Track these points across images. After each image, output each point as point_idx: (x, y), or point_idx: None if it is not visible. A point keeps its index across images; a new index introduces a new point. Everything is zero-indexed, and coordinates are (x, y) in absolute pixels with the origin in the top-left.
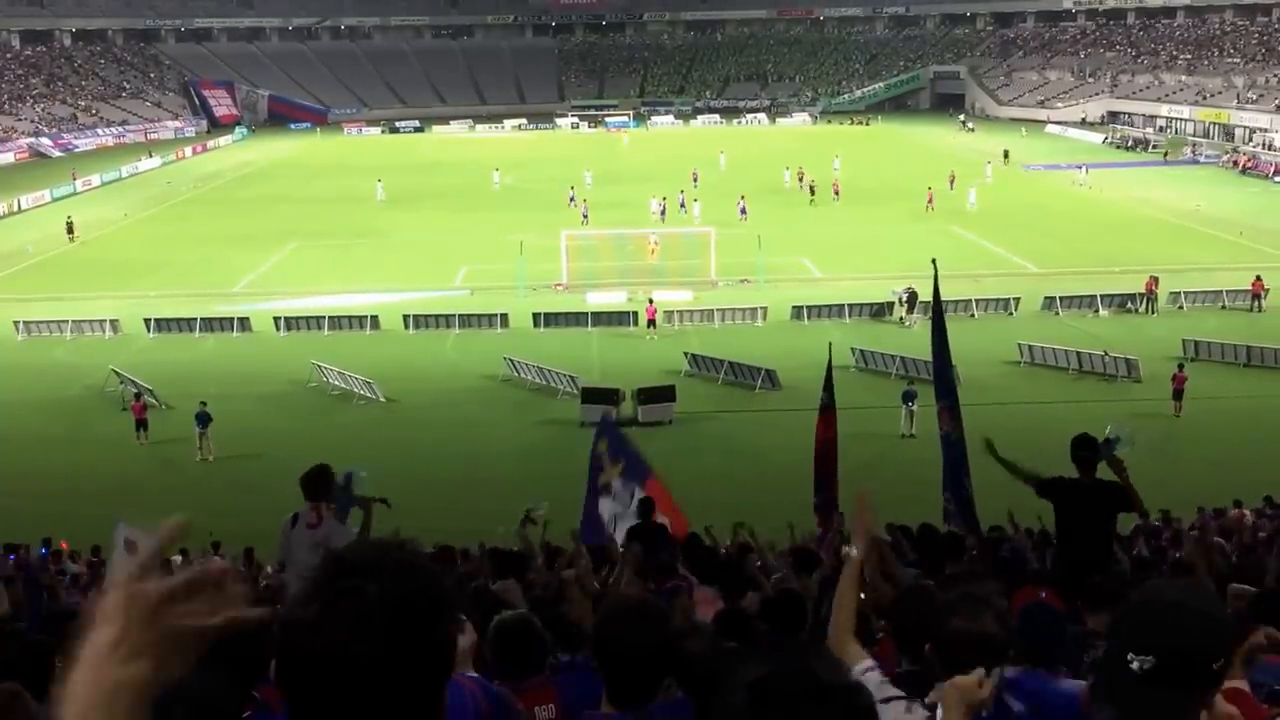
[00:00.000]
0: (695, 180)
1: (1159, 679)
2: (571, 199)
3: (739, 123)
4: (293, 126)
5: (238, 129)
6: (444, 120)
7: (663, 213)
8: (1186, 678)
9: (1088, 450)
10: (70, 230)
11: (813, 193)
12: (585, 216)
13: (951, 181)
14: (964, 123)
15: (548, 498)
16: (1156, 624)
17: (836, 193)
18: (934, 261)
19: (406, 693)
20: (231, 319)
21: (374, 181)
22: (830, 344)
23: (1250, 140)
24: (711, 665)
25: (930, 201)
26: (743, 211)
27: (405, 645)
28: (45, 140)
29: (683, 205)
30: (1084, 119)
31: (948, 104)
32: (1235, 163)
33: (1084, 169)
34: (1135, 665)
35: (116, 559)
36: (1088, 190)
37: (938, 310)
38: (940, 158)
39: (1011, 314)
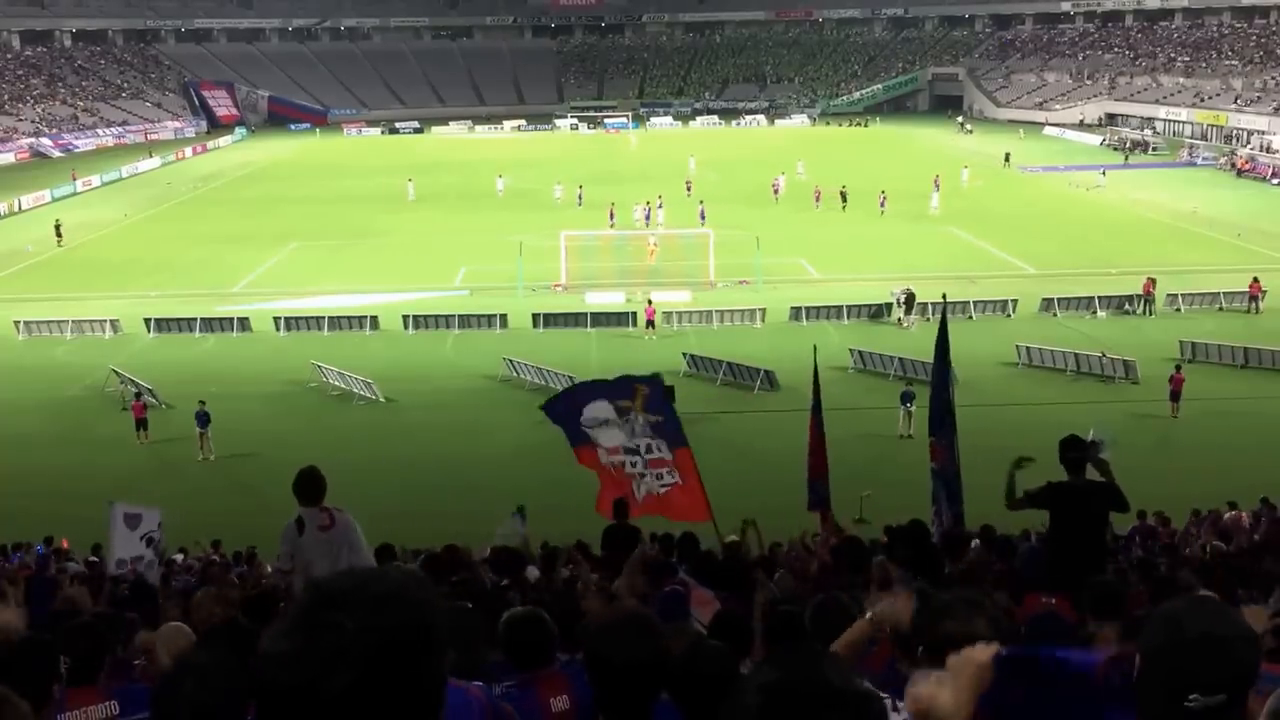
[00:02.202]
0: (689, 189)
1: (1223, 711)
2: (580, 198)
3: (737, 124)
4: (292, 127)
5: (237, 129)
6: (443, 121)
7: (646, 217)
8: (1243, 700)
9: (1077, 451)
10: (59, 234)
11: (844, 200)
12: (612, 216)
13: (936, 184)
14: (962, 124)
15: (546, 498)
16: (1215, 662)
17: (819, 198)
18: (944, 296)
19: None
20: (231, 319)
21: (375, 181)
22: (815, 347)
23: (1248, 142)
24: (694, 665)
25: (882, 205)
26: (702, 216)
27: (384, 681)
28: (45, 140)
29: (660, 208)
30: (1082, 121)
31: (946, 106)
32: (1233, 165)
33: (1103, 170)
34: (1197, 703)
35: (116, 537)
36: (1086, 192)
37: (943, 337)
38: (931, 160)
39: (1009, 315)
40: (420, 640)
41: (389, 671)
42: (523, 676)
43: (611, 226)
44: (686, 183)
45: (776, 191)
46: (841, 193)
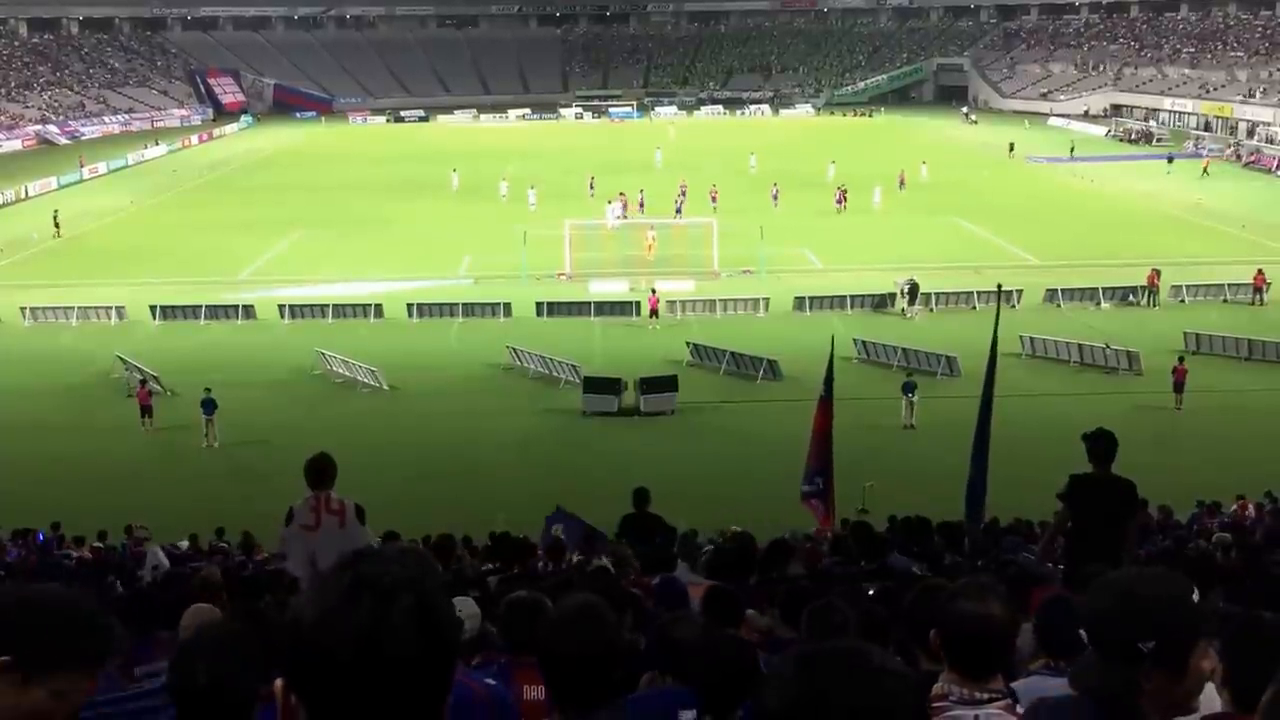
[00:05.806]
0: (684, 194)
1: (1098, 656)
2: (591, 191)
3: (742, 114)
4: (298, 115)
5: (243, 117)
6: (448, 110)
7: (624, 208)
8: (1122, 655)
9: (1103, 444)
10: (56, 225)
11: (843, 202)
12: (679, 209)
13: (901, 181)
14: (966, 115)
15: (549, 485)
16: (1117, 607)
17: (777, 197)
18: (999, 286)
19: (430, 687)
20: (236, 306)
21: (380, 170)
22: (834, 336)
23: (1253, 134)
24: (700, 652)
25: (842, 202)
26: (641, 206)
27: (431, 645)
28: (52, 128)
29: (641, 206)
30: (1087, 112)
31: (951, 96)
32: (1238, 155)
33: (1171, 158)
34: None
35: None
36: (1090, 184)
37: (995, 333)
38: (926, 154)
39: (1013, 306)
40: (448, 605)
41: (435, 635)
42: (510, 660)
43: (663, 214)
44: (681, 187)
45: (714, 200)
46: (842, 192)
